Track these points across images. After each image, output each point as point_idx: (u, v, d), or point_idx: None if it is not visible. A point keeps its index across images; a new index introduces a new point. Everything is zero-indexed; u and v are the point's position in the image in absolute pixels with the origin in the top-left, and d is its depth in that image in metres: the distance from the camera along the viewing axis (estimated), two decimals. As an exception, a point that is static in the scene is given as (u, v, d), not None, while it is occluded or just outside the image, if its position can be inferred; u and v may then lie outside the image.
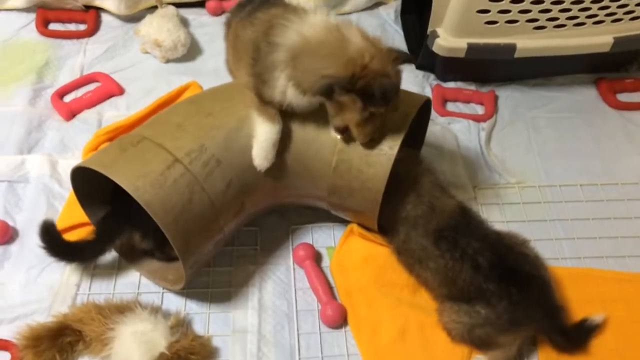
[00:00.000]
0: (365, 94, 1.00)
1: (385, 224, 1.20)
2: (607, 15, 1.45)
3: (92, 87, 1.60)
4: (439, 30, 1.48)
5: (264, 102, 1.09)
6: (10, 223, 1.31)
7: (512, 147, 1.51)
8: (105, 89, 1.58)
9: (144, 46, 1.68)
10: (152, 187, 1.02)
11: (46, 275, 1.23)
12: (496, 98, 1.60)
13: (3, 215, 1.32)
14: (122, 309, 1.13)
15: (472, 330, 1.09)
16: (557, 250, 1.31)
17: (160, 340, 1.08)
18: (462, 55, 1.48)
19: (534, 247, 1.26)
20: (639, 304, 1.22)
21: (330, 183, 1.15)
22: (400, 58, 1.04)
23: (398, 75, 1.04)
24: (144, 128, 1.15)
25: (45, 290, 1.21)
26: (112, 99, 1.58)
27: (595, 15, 1.44)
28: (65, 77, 1.62)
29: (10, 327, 1.13)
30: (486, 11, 1.41)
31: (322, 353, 1.15)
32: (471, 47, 1.46)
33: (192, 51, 1.68)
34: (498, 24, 1.43)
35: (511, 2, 1.40)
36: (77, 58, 1.67)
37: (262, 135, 1.09)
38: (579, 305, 1.20)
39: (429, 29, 1.49)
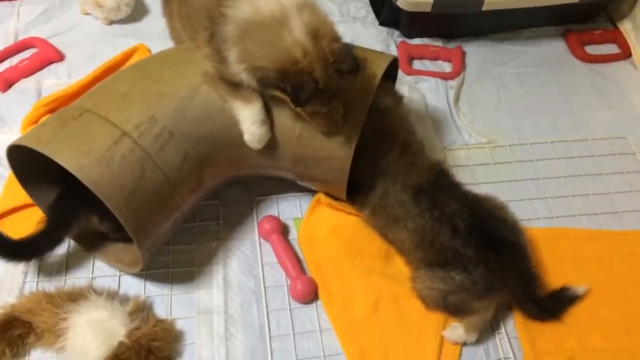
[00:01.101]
0: (287, 92, 0.92)
1: (362, 179, 1.13)
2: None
3: (28, 53, 1.46)
4: (404, -16, 1.39)
5: (232, 86, 0.99)
6: (-55, 208, 1.19)
7: (481, 105, 1.46)
8: (43, 55, 1.45)
9: (83, 7, 1.54)
10: (98, 166, 0.92)
11: None
12: (463, 54, 1.54)
13: (-64, 199, 1.20)
14: (74, 297, 1.04)
15: (446, 296, 1.05)
16: (530, 210, 1.28)
17: (119, 328, 1.01)
18: (428, 9, 1.40)
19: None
20: (612, 262, 1.20)
21: (294, 152, 1.08)
22: (339, 63, 0.92)
23: (333, 78, 0.93)
24: (86, 99, 1.04)
25: (-11, 280, 1.11)
26: (52, 66, 1.45)
27: (565, -34, 1.38)
28: (-2, 43, 1.48)
29: (-48, 323, 1.03)
30: (452, -38, 1.33)
31: (293, 330, 1.10)
32: (437, 1, 1.38)
33: (137, 11, 1.56)
34: (465, -24, 1.36)
35: (478, -49, 1.32)
36: (10, 22, 1.53)
37: (247, 120, 1.02)
38: (553, 265, 1.18)
39: (394, -18, 1.40)
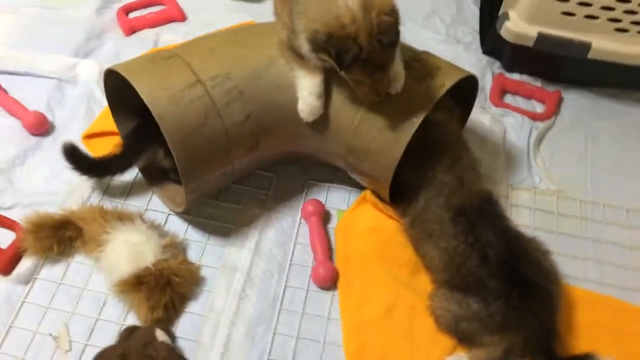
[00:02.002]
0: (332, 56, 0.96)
1: (408, 186, 1.14)
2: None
3: (157, 9, 1.63)
4: (511, 13, 1.38)
5: (299, 56, 1.06)
6: (50, 118, 1.37)
7: (564, 154, 1.40)
8: (168, 12, 1.61)
9: (216, -21, 1.69)
10: (168, 102, 1.02)
11: (68, 173, 1.26)
12: (560, 99, 1.49)
13: (45, 110, 1.38)
14: (123, 217, 1.15)
15: (459, 321, 1.03)
16: (580, 270, 1.20)
17: (149, 255, 1.09)
18: (530, 44, 1.38)
19: (555, 260, 1.18)
20: (656, 346, 1.10)
21: (349, 142, 1.11)
22: (383, 35, 0.94)
23: (377, 51, 0.95)
24: (180, 46, 1.15)
25: (64, 185, 1.26)
26: (173, 24, 1.61)
27: (688, 26, 1.30)
28: (136, -4, 1.66)
29: (22, 212, 1.18)
30: (565, 0, 1.30)
31: (303, 309, 1.13)
32: (542, 37, 1.36)
33: (262, -9, 1.68)
34: (575, 17, 1.32)
35: (595, -5, 1.28)
36: (152, -20, 1.70)
37: (305, 89, 1.07)
38: (588, 332, 1.11)
39: (501, 11, 1.40)
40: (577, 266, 1.21)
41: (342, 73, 0.99)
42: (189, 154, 1.04)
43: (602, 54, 1.35)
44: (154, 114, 1.01)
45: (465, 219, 1.06)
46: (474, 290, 1.03)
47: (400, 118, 1.06)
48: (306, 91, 1.07)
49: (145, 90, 1.02)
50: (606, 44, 1.34)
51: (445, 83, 1.08)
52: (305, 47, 1.00)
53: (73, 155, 1.18)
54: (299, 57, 1.05)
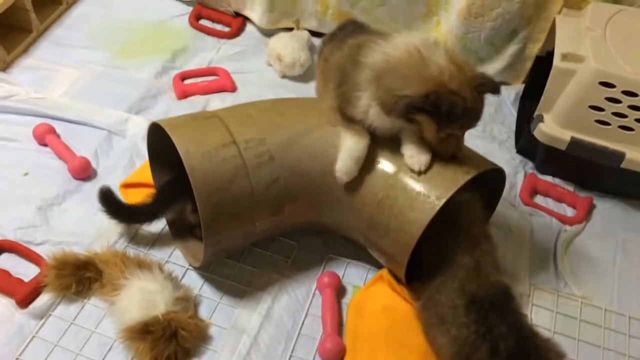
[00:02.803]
0: (436, 113, 1.01)
1: (425, 267, 1.14)
2: None
3: (210, 78, 1.74)
4: (545, 116, 1.41)
5: (349, 120, 1.12)
6: (94, 165, 1.45)
7: (591, 261, 1.37)
8: (220, 82, 1.71)
9: (268, 58, 1.80)
10: (201, 156, 1.07)
11: (100, 218, 1.31)
12: (592, 206, 1.47)
13: (92, 157, 1.46)
14: (142, 265, 1.18)
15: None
16: (601, 382, 1.15)
17: (161, 304, 1.11)
18: (563, 147, 1.39)
19: None
20: None
21: (370, 215, 1.13)
22: (483, 85, 1.03)
23: (477, 100, 1.04)
24: (221, 110, 1.22)
25: (93, 229, 1.30)
26: (223, 94, 1.70)
27: None
28: (193, 64, 1.78)
29: (51, 249, 1.23)
30: (600, 109, 1.33)
31: (306, 382, 1.11)
32: (574, 142, 1.37)
33: (308, 74, 1.77)
34: (610, 127, 1.34)
35: (630, 107, 1.30)
36: (210, 52, 1.83)
37: (347, 151, 1.11)
38: None
39: (536, 112, 1.43)
40: (597, 377, 1.15)
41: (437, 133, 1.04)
42: (213, 208, 1.08)
43: (635, 164, 1.35)
44: (185, 165, 1.06)
45: (478, 308, 1.04)
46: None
47: (422, 199, 1.07)
48: (347, 153, 1.10)
49: (182, 143, 1.08)
50: (640, 156, 1.34)
51: (471, 170, 1.10)
52: (368, 114, 1.07)
53: (106, 197, 1.23)
54: (348, 120, 1.11)
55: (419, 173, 1.09)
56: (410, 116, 1.03)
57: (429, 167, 1.09)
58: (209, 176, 1.07)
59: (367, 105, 1.08)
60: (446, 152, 1.09)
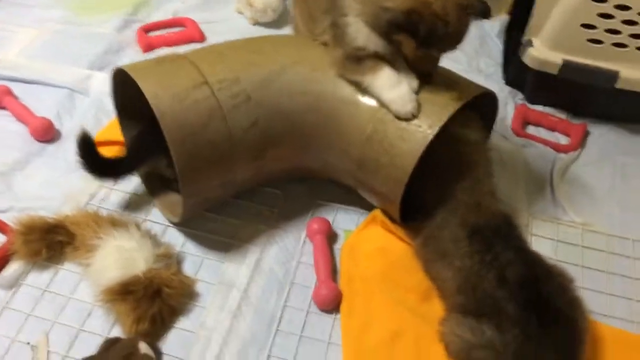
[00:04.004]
0: (415, 33, 0.94)
1: (424, 204, 1.08)
2: None
3: (177, 29, 1.63)
4: (535, 40, 1.34)
5: (353, 58, 1.04)
6: (58, 126, 1.35)
7: (590, 187, 1.32)
8: (188, 33, 1.61)
9: (238, 5, 1.70)
10: (170, 99, 0.98)
11: (67, 180, 1.23)
12: (586, 132, 1.42)
13: (54, 118, 1.36)
14: (116, 224, 1.09)
15: (470, 349, 0.93)
16: (607, 306, 1.10)
17: (140, 262, 1.03)
18: (555, 71, 1.32)
19: (580, 293, 1.08)
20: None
21: (360, 153, 1.06)
22: (472, 7, 0.96)
23: (462, 24, 0.97)
24: (190, 51, 1.12)
25: (61, 192, 1.21)
26: (192, 45, 1.59)
27: None
28: (157, 17, 1.68)
29: (16, 215, 1.13)
30: (592, 27, 1.26)
31: (302, 332, 1.04)
32: (566, 65, 1.30)
33: (281, 19, 1.67)
34: (603, 45, 1.27)
35: (624, 22, 1.23)
36: (175, 3, 1.73)
37: (384, 87, 1.02)
38: (616, 374, 1.00)
39: (524, 38, 1.36)
40: (603, 302, 1.11)
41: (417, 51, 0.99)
42: (188, 155, 0.99)
43: (630, 83, 1.29)
44: (154, 110, 0.97)
45: (481, 237, 0.98)
46: (489, 316, 0.93)
47: (413, 128, 1.00)
48: (387, 88, 1.02)
49: (149, 87, 0.99)
50: (635, 73, 1.28)
51: (462, 96, 1.02)
52: (360, 36, 1.00)
53: (85, 146, 1.13)
54: (357, 62, 1.03)
55: None
56: (391, 35, 0.97)
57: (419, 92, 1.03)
58: (181, 120, 0.98)
59: (357, 30, 1.01)
60: (422, 70, 1.03)
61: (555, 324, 0.91)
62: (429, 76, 1.05)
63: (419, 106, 1.01)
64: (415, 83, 1.03)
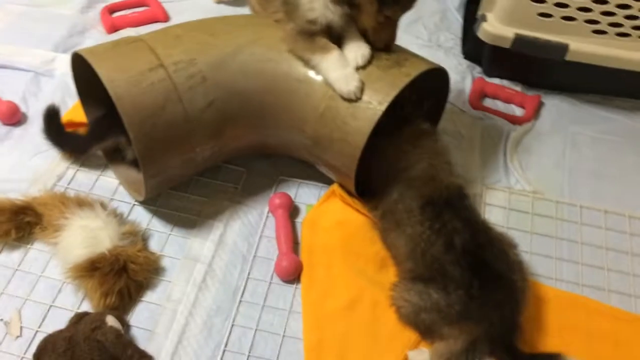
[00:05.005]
0: None
1: (381, 180, 1.13)
2: (682, 32, 1.28)
3: (141, 9, 1.64)
4: (488, 15, 1.37)
5: (306, 35, 1.06)
6: (24, 109, 1.37)
7: (542, 157, 1.37)
8: (151, 13, 1.62)
9: (201, -17, 1.71)
10: (127, 83, 1.01)
11: (35, 162, 1.26)
12: (540, 104, 1.47)
13: (20, 101, 1.38)
14: (82, 204, 1.13)
15: (419, 312, 0.99)
16: (555, 270, 1.17)
17: (106, 240, 1.07)
18: (507, 45, 1.36)
19: (529, 259, 1.16)
20: (631, 349, 1.06)
21: (314, 129, 1.10)
22: None
23: None
24: (147, 34, 1.15)
25: (29, 174, 1.24)
26: (155, 24, 1.61)
27: (666, 30, 1.28)
28: (121, -3, 1.68)
29: (-16, 198, 1.17)
30: (542, 1, 1.29)
31: (264, 302, 1.09)
32: (518, 39, 1.34)
33: (245, -3, 1.68)
34: (552, 18, 1.31)
35: (571, -5, 1.27)
36: (138, -18, 1.72)
37: (332, 68, 1.05)
38: (561, 332, 1.07)
39: (479, 13, 1.39)
40: (551, 266, 1.17)
41: (374, 17, 1.03)
42: (147, 137, 1.02)
43: (579, 55, 1.33)
44: (111, 94, 1.00)
45: (433, 208, 1.04)
46: (436, 280, 1.00)
47: (364, 105, 1.04)
48: (334, 70, 1.05)
49: (104, 71, 1.01)
50: (584, 46, 1.32)
51: (411, 72, 1.06)
52: (317, 5, 1.02)
53: (51, 118, 1.20)
54: (309, 39, 1.06)
55: (357, 68, 1.06)
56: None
57: (368, 64, 1.07)
58: (138, 103, 1.01)
59: (312, 1, 1.03)
60: (380, 42, 1.07)
61: (495, 285, 0.97)
62: (387, 47, 1.09)
63: (362, 86, 1.04)
64: (367, 51, 1.06)
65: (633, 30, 1.29)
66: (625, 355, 1.05)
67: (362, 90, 1.04)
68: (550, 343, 1.05)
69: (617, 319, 1.09)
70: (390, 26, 1.06)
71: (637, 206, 1.28)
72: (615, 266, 1.18)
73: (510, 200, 1.28)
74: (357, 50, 1.06)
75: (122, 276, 1.05)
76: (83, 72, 1.13)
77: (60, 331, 0.99)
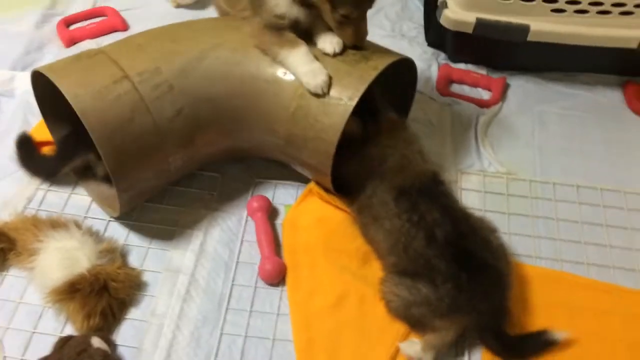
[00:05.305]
0: None
1: (355, 176, 1.13)
2: (637, 6, 1.30)
3: (98, 19, 1.61)
4: (449, 1, 1.38)
5: (273, 29, 1.06)
6: (-15, 132, 1.33)
7: (512, 137, 1.39)
8: (110, 22, 1.59)
9: (159, -12, 1.68)
10: (92, 98, 0.99)
11: (2, 186, 1.23)
12: (506, 86, 1.49)
13: (-20, 124, 1.34)
14: (56, 225, 1.10)
15: (408, 307, 1.00)
16: (534, 248, 1.18)
17: (83, 260, 1.05)
18: (469, 30, 1.37)
19: (508, 240, 1.17)
20: (612, 318, 1.08)
21: (286, 129, 1.09)
22: None
23: None
24: (108, 45, 1.12)
25: (-1, 198, 1.21)
26: (115, 34, 1.58)
27: (623, 4, 1.30)
28: (76, 8, 1.65)
29: (-46, 227, 1.13)
30: (500, -16, 1.31)
31: (251, 307, 1.09)
32: (480, 23, 1.35)
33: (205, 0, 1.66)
34: (512, 1, 1.32)
35: (528, -23, 1.29)
36: (94, -8, 1.69)
37: (299, 63, 1.05)
38: (544, 309, 1.08)
39: (440, 0, 1.40)
40: (530, 244, 1.19)
41: (330, 16, 1.03)
42: (116, 151, 1.00)
43: (541, 35, 1.35)
44: (75, 109, 0.97)
45: (407, 198, 1.04)
46: (423, 274, 1.00)
47: (335, 102, 1.04)
48: (301, 65, 1.05)
49: (68, 87, 0.99)
50: (544, 26, 1.34)
51: (378, 65, 1.06)
52: (282, 2, 1.03)
53: (23, 144, 1.20)
54: (276, 33, 1.05)
55: (334, 54, 1.06)
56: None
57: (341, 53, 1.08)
58: (105, 118, 0.99)
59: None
60: (348, 39, 1.06)
61: (482, 275, 0.99)
62: (359, 45, 1.09)
63: (330, 80, 1.04)
64: (336, 43, 1.06)
65: (590, 7, 1.31)
66: (607, 324, 1.07)
67: (329, 84, 1.04)
68: (535, 321, 1.06)
69: (597, 290, 1.12)
70: (352, 25, 1.06)
71: (607, 178, 1.31)
72: (591, 239, 1.20)
73: (485, 183, 1.29)
74: (331, 39, 1.07)
75: (104, 295, 1.03)
76: (45, 89, 1.10)
77: (45, 358, 0.97)
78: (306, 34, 1.09)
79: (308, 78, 1.04)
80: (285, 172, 1.26)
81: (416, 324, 1.02)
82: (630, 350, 1.03)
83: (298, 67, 1.05)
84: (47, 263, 1.05)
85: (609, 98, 1.49)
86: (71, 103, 0.98)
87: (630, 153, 1.37)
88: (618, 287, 1.13)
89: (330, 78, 1.04)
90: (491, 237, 1.06)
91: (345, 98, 1.03)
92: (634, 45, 1.34)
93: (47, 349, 1.00)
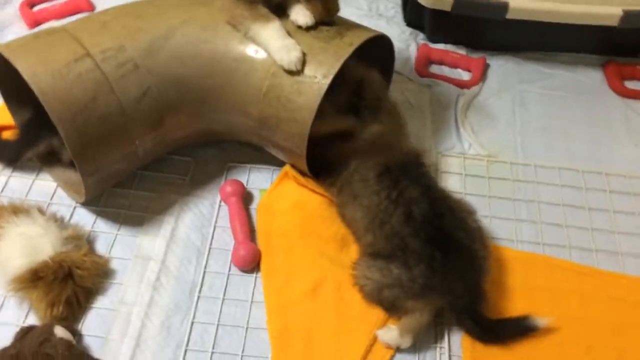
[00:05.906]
0: None
1: (338, 155, 1.09)
2: (618, -18, 1.28)
3: (63, 0, 1.54)
4: (427, -22, 1.35)
5: (246, 2, 1.02)
6: (-57, 117, 1.26)
7: (492, 119, 1.36)
8: (75, 3, 1.52)
9: (127, -32, 1.61)
10: (51, 77, 0.94)
11: None
12: (486, 66, 1.46)
13: (-61, 109, 1.27)
14: (17, 211, 1.05)
15: (381, 289, 0.97)
16: (515, 231, 1.16)
17: (47, 247, 1.00)
18: (448, 9, 1.34)
19: (489, 223, 1.15)
20: (594, 302, 1.06)
21: (259, 110, 1.05)
22: None
23: None
24: (70, 22, 1.07)
25: (-43, 187, 1.15)
26: (81, 15, 1.51)
27: (604, -19, 1.28)
28: (41, -12, 1.57)
29: None
30: (478, -39, 1.27)
31: (224, 295, 1.05)
32: (458, 1, 1.32)
33: (175, -21, 1.60)
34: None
35: (507, -47, 1.25)
36: (58, -28, 1.61)
37: (272, 38, 1.01)
38: (526, 292, 1.06)
39: (417, -22, 1.36)
40: (511, 228, 1.17)
41: None
42: (79, 133, 0.95)
43: (520, 13, 1.32)
44: (34, 89, 0.92)
45: (389, 176, 1.01)
46: (396, 254, 0.97)
47: (309, 80, 1.00)
48: (274, 40, 1.00)
49: (25, 65, 0.93)
50: (523, 3, 1.31)
51: (354, 41, 1.02)
52: None
53: None
54: (250, 7, 1.02)
55: (307, 27, 1.03)
56: None
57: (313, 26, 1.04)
58: (66, 98, 0.94)
59: None
60: (317, 14, 1.03)
61: (457, 257, 0.96)
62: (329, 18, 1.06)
63: (304, 57, 1.00)
64: (309, 16, 1.03)
65: (571, -17, 1.29)
66: (589, 308, 1.05)
67: (303, 61, 1.00)
68: (517, 305, 1.04)
69: (580, 274, 1.10)
70: (322, 3, 1.03)
71: (589, 159, 1.29)
72: (573, 222, 1.18)
73: (466, 166, 1.26)
74: (304, 12, 1.03)
75: (68, 283, 0.99)
76: (5, 70, 1.04)
77: (5, 349, 0.92)
78: (278, 10, 1.04)
79: (281, 54, 1.00)
80: (259, 155, 1.22)
81: (391, 307, 0.99)
82: (614, 334, 1.02)
83: (271, 43, 1.01)
84: (8, 250, 1.00)
85: (590, 78, 1.47)
86: (29, 82, 0.92)
87: (612, 133, 1.35)
88: (600, 270, 1.11)
89: (304, 55, 1.00)
90: (469, 219, 1.03)
91: (319, 76, 0.99)
92: (614, 23, 1.32)
93: (7, 339, 0.95)
